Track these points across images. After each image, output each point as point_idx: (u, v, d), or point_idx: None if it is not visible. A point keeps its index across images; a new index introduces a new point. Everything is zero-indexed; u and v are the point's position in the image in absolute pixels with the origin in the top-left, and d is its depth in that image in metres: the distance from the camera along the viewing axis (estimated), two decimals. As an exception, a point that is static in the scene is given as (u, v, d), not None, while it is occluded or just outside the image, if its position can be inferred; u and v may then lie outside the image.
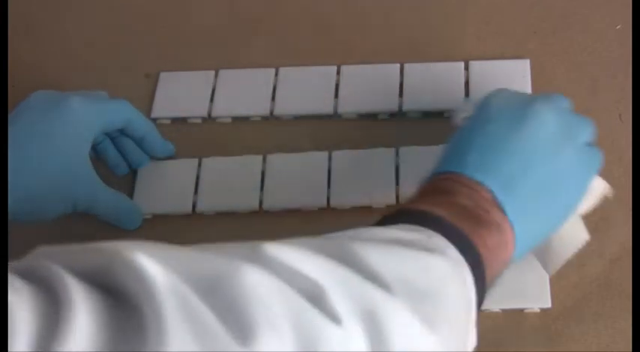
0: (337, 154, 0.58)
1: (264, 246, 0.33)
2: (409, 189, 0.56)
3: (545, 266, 0.49)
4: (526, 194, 0.43)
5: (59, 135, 0.51)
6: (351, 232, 0.37)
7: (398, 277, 0.33)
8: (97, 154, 0.58)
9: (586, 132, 0.46)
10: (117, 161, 0.59)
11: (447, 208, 0.40)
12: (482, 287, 0.38)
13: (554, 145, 0.44)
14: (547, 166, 0.43)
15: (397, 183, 0.56)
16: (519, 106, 0.45)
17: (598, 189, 0.48)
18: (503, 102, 0.46)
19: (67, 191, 0.51)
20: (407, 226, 0.39)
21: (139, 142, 0.58)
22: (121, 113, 0.55)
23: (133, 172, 0.60)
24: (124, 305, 0.28)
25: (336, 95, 0.61)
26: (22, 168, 0.49)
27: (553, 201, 0.44)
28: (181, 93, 0.63)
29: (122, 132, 0.58)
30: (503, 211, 0.42)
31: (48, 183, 0.50)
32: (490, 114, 0.45)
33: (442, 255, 0.37)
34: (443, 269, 0.36)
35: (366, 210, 0.56)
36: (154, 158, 0.60)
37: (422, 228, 0.39)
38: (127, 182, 0.59)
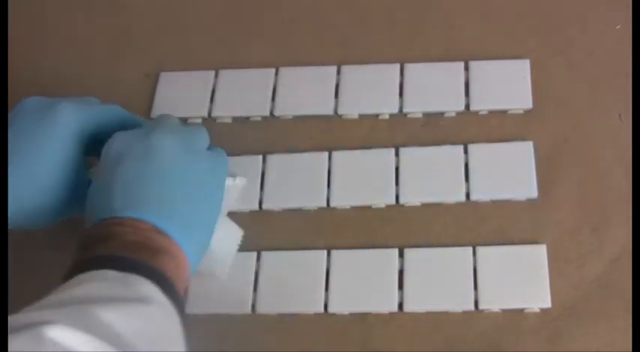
0: (337, 154, 0.58)
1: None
2: (409, 189, 0.56)
3: (215, 270, 0.52)
4: (177, 212, 0.46)
5: (49, 142, 0.50)
6: (80, 292, 0.40)
7: (134, 335, 0.37)
8: (90, 158, 0.57)
9: (201, 139, 0.50)
10: None
11: (124, 248, 0.43)
12: (181, 306, 0.42)
13: (181, 162, 0.47)
14: (182, 182, 0.47)
15: (397, 183, 0.56)
16: (139, 141, 0.48)
17: (234, 187, 0.52)
18: (123, 144, 0.48)
19: (59, 197, 0.50)
20: (109, 273, 0.41)
21: None
22: (112, 118, 0.54)
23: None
24: None
25: (336, 95, 0.61)
26: (12, 175, 0.48)
27: (199, 210, 0.47)
28: (181, 94, 0.63)
29: None
30: (168, 235, 0.45)
31: (39, 190, 0.49)
32: (116, 157, 0.47)
33: (153, 302, 0.40)
34: (161, 317, 0.40)
35: (366, 210, 0.56)
36: None
37: (120, 274, 0.41)
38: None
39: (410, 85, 0.60)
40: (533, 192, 0.55)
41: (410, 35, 0.63)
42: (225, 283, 0.54)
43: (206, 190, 0.48)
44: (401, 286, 0.53)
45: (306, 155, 0.59)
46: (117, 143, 0.48)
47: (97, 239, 0.44)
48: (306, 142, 0.60)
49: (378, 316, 0.53)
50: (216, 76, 0.63)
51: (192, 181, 0.47)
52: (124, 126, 0.54)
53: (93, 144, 0.53)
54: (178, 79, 0.64)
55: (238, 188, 0.52)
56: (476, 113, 0.59)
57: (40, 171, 0.49)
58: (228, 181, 0.51)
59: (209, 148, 0.51)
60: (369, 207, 0.56)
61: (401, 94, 0.60)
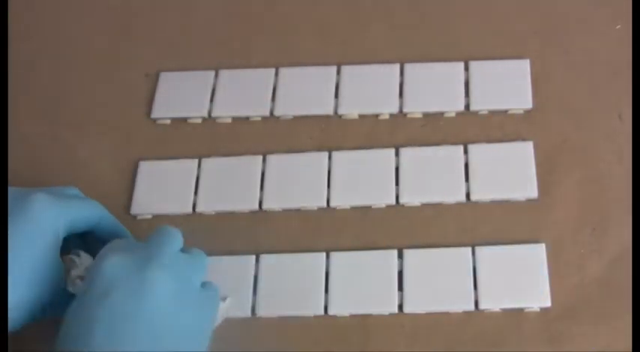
0: (337, 154, 0.58)
1: None
2: (409, 189, 0.56)
3: None
4: None
5: (21, 240, 0.47)
6: None
7: None
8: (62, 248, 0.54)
9: (199, 274, 0.48)
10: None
11: None
12: None
13: (174, 306, 0.45)
14: (169, 329, 0.44)
15: (397, 183, 0.56)
16: (133, 272, 0.45)
17: (222, 309, 0.52)
18: (119, 270, 0.45)
19: (33, 297, 0.48)
20: None
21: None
22: (87, 217, 0.52)
23: (133, 173, 0.60)
24: None
25: (336, 95, 0.61)
26: None
27: (194, 348, 0.46)
28: (181, 93, 0.63)
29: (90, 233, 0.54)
30: None
31: (12, 292, 0.46)
32: (108, 285, 0.44)
33: None
34: None
35: (366, 210, 0.56)
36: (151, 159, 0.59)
37: None
38: (127, 182, 0.59)
39: (410, 85, 0.60)
40: (533, 192, 0.55)
41: (410, 35, 0.63)
42: (224, 287, 0.54)
43: (193, 333, 0.46)
44: (401, 287, 0.53)
45: (306, 155, 0.59)
46: (108, 268, 0.45)
47: None
48: (306, 142, 0.60)
49: (379, 317, 0.53)
50: (216, 76, 0.63)
51: (184, 322, 0.45)
52: (100, 225, 0.53)
53: (66, 241, 0.51)
54: (178, 78, 0.63)
55: (226, 308, 0.52)
56: (476, 113, 0.59)
57: (12, 271, 0.46)
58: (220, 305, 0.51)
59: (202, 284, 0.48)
60: (369, 207, 0.56)
61: (401, 94, 0.60)
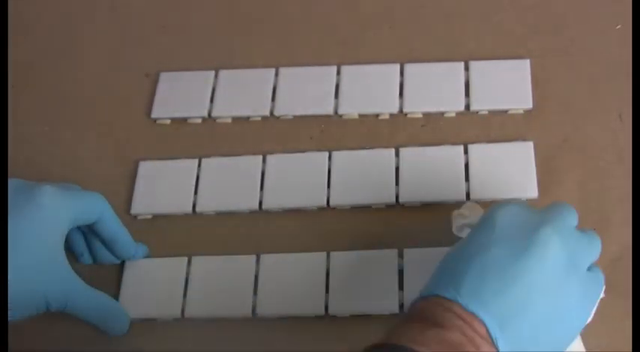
0: (337, 154, 0.58)
1: None
2: (409, 189, 0.56)
3: None
4: (524, 331, 0.40)
5: (28, 231, 0.48)
6: None
7: None
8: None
9: (592, 256, 0.45)
10: (82, 250, 0.56)
11: (436, 345, 0.39)
12: None
13: (559, 279, 0.42)
14: (548, 301, 0.41)
15: (397, 184, 0.56)
16: (526, 230, 0.42)
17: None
18: (509, 223, 0.43)
19: (38, 289, 0.48)
20: None
21: (106, 243, 0.55)
22: (92, 209, 0.52)
23: (133, 173, 0.60)
24: None
25: (336, 95, 0.61)
26: None
27: (552, 336, 0.42)
28: (181, 93, 0.63)
29: (90, 228, 0.54)
30: (496, 348, 0.39)
31: (16, 281, 0.46)
32: (493, 236, 0.42)
33: None
34: None
35: (366, 209, 0.56)
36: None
37: None
38: (127, 183, 0.59)
39: (410, 85, 0.60)
40: (533, 192, 0.55)
41: (410, 35, 0.63)
42: (224, 286, 0.54)
43: (569, 317, 0.42)
44: (401, 287, 0.53)
45: (306, 155, 0.59)
46: (506, 218, 0.43)
47: (422, 318, 0.40)
48: (306, 142, 0.60)
49: (379, 317, 0.53)
50: (216, 76, 0.63)
51: (558, 303, 0.41)
52: (102, 219, 0.53)
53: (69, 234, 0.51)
54: (178, 78, 0.64)
55: (599, 299, 0.46)
56: (476, 113, 0.59)
57: (18, 261, 0.46)
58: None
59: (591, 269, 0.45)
60: (369, 207, 0.56)
61: (401, 94, 0.60)
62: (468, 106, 0.59)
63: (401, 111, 0.59)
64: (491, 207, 0.45)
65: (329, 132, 0.60)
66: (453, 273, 0.42)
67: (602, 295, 0.46)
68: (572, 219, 0.45)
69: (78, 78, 0.65)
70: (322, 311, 0.53)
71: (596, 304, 0.45)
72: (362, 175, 0.57)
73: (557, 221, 0.43)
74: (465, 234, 0.49)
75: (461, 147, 0.57)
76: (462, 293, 0.40)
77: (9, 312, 0.46)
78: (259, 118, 0.61)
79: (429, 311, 0.41)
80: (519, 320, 0.40)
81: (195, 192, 0.58)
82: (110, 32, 0.67)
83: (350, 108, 0.60)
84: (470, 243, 0.43)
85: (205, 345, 0.53)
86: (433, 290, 0.42)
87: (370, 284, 0.53)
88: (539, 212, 0.45)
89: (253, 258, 0.55)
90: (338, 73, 0.62)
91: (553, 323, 0.41)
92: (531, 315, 0.40)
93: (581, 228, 0.46)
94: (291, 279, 0.54)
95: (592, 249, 0.45)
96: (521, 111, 0.58)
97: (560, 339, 0.42)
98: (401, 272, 0.53)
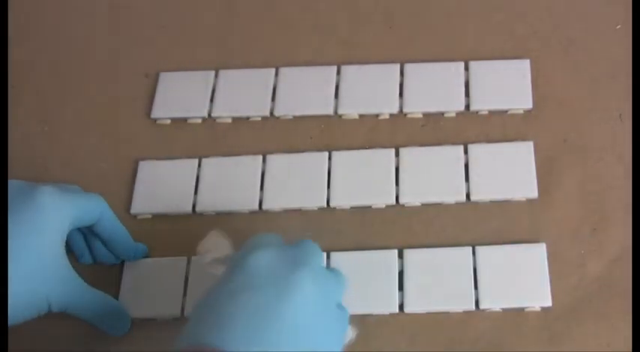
0: (337, 154, 0.58)
1: None
2: (409, 189, 0.56)
3: None
4: None
5: (29, 233, 0.47)
6: None
7: None
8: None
9: (340, 292, 0.47)
10: (82, 250, 0.56)
11: None
12: None
13: (316, 316, 0.43)
14: (310, 338, 0.42)
15: (397, 184, 0.56)
16: (282, 273, 0.43)
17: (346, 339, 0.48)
18: (264, 268, 0.44)
19: (40, 290, 0.47)
20: None
21: (106, 243, 0.55)
22: (92, 210, 0.52)
23: (133, 172, 0.60)
24: None
25: (336, 95, 0.61)
26: None
27: None
28: (181, 94, 0.63)
29: (90, 229, 0.54)
30: None
31: (18, 282, 0.46)
32: (251, 281, 0.43)
33: None
34: None
35: (366, 210, 0.56)
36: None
37: None
38: (126, 183, 0.59)
39: (410, 85, 0.60)
40: (533, 192, 0.55)
41: (410, 35, 0.63)
42: None
43: (326, 347, 0.43)
44: (401, 287, 0.53)
45: (306, 155, 0.59)
46: (254, 262, 0.44)
47: None
48: (306, 142, 0.60)
49: (379, 317, 0.53)
50: (216, 76, 0.63)
51: (317, 337, 0.43)
52: (102, 220, 0.53)
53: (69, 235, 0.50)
54: (178, 78, 0.63)
55: (349, 335, 0.48)
56: (476, 113, 0.59)
57: (19, 262, 0.46)
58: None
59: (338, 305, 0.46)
60: (369, 207, 0.56)
61: (401, 94, 0.60)
62: (468, 106, 0.59)
63: (401, 111, 0.59)
64: (243, 250, 0.45)
65: (329, 132, 0.60)
66: (216, 319, 0.41)
67: (351, 335, 0.47)
68: (320, 257, 0.47)
69: (78, 78, 0.65)
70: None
71: (345, 340, 0.47)
72: (362, 175, 0.57)
73: (308, 260, 0.45)
74: (217, 270, 0.48)
75: (461, 147, 0.57)
76: (231, 340, 0.40)
77: (9, 315, 0.46)
78: (259, 118, 0.61)
79: None
80: None
81: (195, 192, 0.58)
82: (110, 32, 0.67)
83: (350, 108, 0.60)
84: (225, 288, 0.43)
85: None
86: (197, 337, 0.41)
87: (370, 284, 0.53)
88: (290, 253, 0.45)
89: None
90: (338, 73, 0.62)
91: (317, 349, 0.42)
92: (303, 345, 0.41)
93: (327, 267, 0.48)
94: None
95: (339, 285, 0.47)
96: (521, 111, 0.58)
97: None
98: (401, 273, 0.53)
